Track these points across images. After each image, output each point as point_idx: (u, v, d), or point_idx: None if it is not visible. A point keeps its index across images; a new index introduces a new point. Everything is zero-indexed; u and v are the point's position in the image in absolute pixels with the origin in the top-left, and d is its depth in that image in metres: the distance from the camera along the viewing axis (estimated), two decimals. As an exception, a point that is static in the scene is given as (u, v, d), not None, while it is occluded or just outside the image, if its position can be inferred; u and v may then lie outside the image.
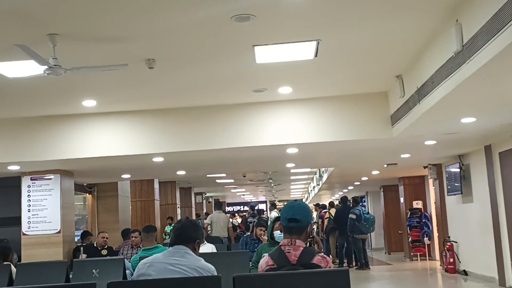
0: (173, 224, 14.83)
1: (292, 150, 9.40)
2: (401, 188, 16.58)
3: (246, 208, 30.50)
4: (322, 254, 3.37)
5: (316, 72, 7.01)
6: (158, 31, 5.29)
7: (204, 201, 24.29)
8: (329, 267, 3.27)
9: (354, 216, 14.17)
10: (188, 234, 3.63)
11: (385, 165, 12.81)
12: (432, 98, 6.12)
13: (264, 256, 3.78)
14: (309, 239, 4.09)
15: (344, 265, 14.46)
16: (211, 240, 9.45)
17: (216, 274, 3.45)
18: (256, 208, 26.18)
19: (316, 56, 6.15)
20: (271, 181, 21.45)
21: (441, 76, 5.69)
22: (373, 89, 8.13)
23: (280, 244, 3.40)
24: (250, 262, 6.28)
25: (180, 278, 3.33)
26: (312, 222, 3.52)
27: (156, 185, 15.15)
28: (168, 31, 5.32)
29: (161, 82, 7.12)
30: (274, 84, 7.56)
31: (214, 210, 14.09)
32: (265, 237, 8.02)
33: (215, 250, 7.38)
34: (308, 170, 17.83)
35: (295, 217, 3.37)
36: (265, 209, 31.87)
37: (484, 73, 4.94)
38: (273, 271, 3.24)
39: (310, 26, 5.40)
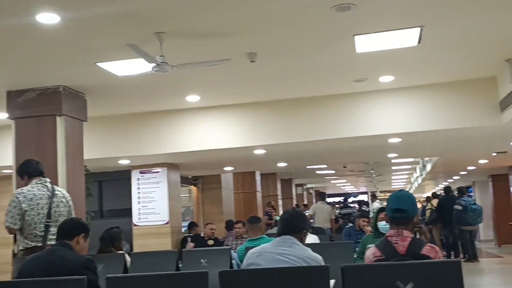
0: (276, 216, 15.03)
1: (394, 140, 9.22)
2: (511, 177, 15.80)
3: (352, 199, 30.11)
4: (431, 244, 3.31)
5: (419, 59, 6.83)
6: (259, 24, 5.37)
7: (305, 192, 24.36)
8: (439, 258, 3.21)
9: (459, 207, 13.66)
10: (295, 224, 3.68)
11: (494, 154, 12.26)
12: (546, 82, 5.79)
13: (369, 247, 3.76)
14: (416, 229, 4.02)
15: (451, 257, 14.00)
16: (314, 230, 9.46)
17: (323, 264, 3.47)
18: (357, 200, 25.89)
19: (419, 42, 5.99)
20: (372, 171, 21.17)
21: (556, 58, 5.37)
22: (480, 74, 7.80)
23: (386, 235, 3.37)
24: (355, 253, 6.25)
25: (289, 268, 3.38)
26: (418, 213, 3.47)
27: (258, 177, 15.38)
28: (269, 24, 5.38)
29: (262, 75, 7.22)
30: (375, 73, 7.45)
31: (318, 201, 14.13)
32: (368, 228, 7.94)
33: (318, 241, 7.40)
34: (411, 160, 17.40)
35: (400, 207, 3.34)
36: (366, 200, 31.49)
37: None
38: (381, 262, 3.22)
39: (413, 12, 5.26)
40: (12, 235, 5.36)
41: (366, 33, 5.73)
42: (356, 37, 5.79)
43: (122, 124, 9.09)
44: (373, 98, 8.37)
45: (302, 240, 3.66)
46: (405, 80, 7.87)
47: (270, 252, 3.57)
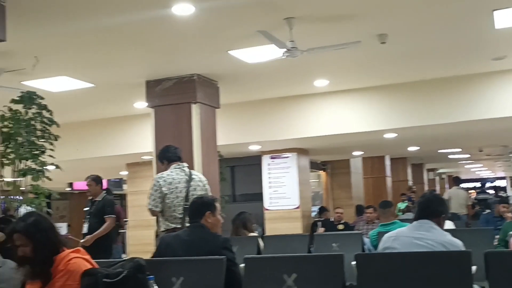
0: (405, 201, 14.67)
1: (538, 121, 8.63)
2: None
3: (488, 184, 28.59)
4: None
5: None
6: (389, 4, 5.24)
7: (437, 177, 23.52)
8: None
9: None
10: (432, 208, 3.56)
11: None
12: None
13: (511, 234, 3.56)
14: None
15: None
16: (449, 216, 9.12)
17: (464, 249, 3.33)
18: (493, 185, 24.57)
19: None
20: (511, 155, 19.92)
21: None
22: None
23: (537, 220, 3.18)
24: (495, 240, 5.97)
25: (428, 252, 3.28)
26: None
27: (387, 162, 15.09)
28: (400, 3, 5.23)
29: (393, 57, 7.04)
30: (516, 50, 7.01)
31: (452, 186, 13.65)
32: (509, 215, 7.54)
33: (453, 227, 7.14)
34: (556, 142, 16.18)
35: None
36: (503, 186, 29.82)
37: None
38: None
39: (560, -18, 4.88)
40: (154, 217, 5.68)
41: (506, 7, 5.40)
42: (495, 12, 5.48)
43: (252, 110, 9.26)
44: (514, 76, 7.88)
45: (440, 224, 3.54)
46: (550, 56, 7.33)
47: (407, 236, 3.49)
